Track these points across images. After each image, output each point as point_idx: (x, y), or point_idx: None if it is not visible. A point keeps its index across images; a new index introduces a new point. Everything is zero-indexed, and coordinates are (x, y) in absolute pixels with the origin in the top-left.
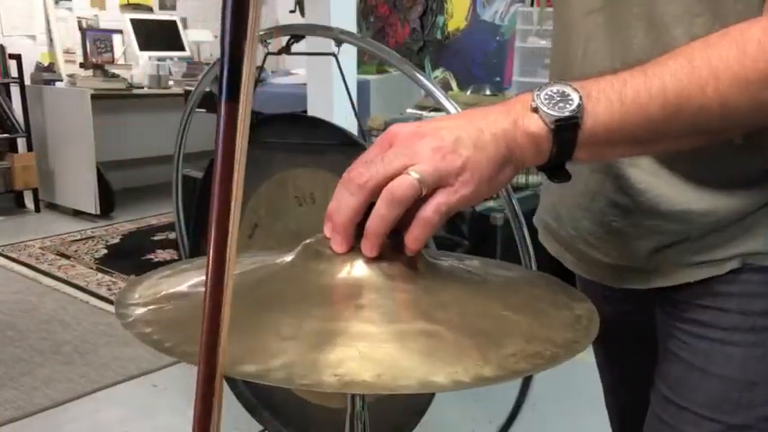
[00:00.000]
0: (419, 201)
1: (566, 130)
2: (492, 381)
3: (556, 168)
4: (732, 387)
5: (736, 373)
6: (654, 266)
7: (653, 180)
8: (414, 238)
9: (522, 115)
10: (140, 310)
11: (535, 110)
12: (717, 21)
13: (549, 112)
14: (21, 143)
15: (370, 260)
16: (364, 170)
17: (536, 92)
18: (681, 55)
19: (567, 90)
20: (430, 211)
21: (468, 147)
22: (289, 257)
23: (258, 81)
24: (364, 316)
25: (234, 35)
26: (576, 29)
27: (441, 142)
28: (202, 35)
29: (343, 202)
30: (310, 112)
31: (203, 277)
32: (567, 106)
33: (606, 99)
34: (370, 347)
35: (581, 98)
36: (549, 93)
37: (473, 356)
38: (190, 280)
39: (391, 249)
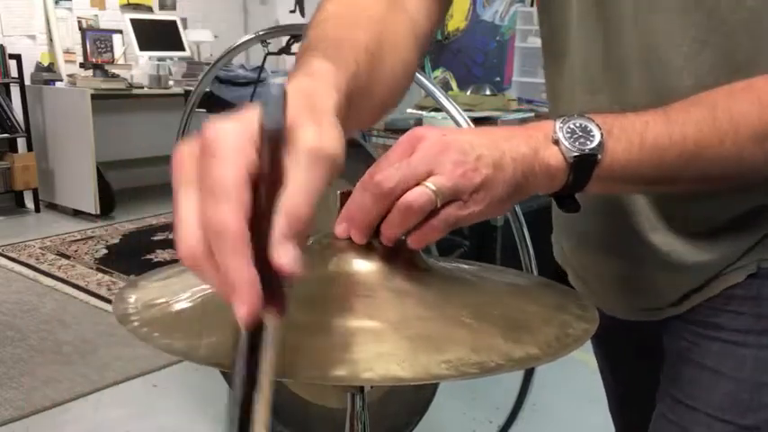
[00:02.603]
0: None
1: (583, 166)
2: (405, 381)
3: (565, 197)
4: (744, 388)
5: (748, 374)
6: (681, 302)
7: (674, 241)
8: (417, 240)
9: (543, 146)
10: (139, 310)
11: (556, 142)
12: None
13: (569, 147)
14: (21, 143)
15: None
16: (390, 175)
17: (558, 123)
18: (704, 104)
19: (590, 126)
20: (439, 221)
21: (488, 165)
22: None
23: (258, 81)
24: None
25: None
26: (579, 109)
27: (464, 157)
28: (202, 35)
29: (366, 206)
30: None
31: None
32: (588, 143)
33: (627, 140)
34: (299, 337)
35: (602, 135)
36: (572, 126)
37: (398, 357)
38: (189, 280)
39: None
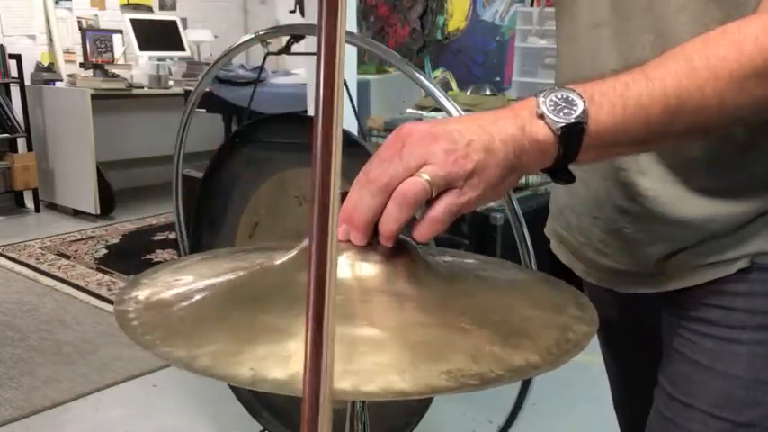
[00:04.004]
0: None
1: (571, 136)
2: (407, 395)
3: (559, 170)
4: (738, 385)
5: (743, 371)
6: (664, 271)
7: (661, 188)
8: (421, 233)
9: (528, 122)
10: (139, 313)
11: (541, 116)
12: None
13: (554, 118)
14: (21, 143)
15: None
16: (384, 170)
17: (541, 98)
18: (680, 55)
19: (572, 96)
20: (440, 212)
21: (479, 151)
22: (286, 257)
23: (258, 81)
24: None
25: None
26: (582, 42)
27: (454, 146)
28: (202, 35)
29: (364, 203)
30: (310, 112)
31: (201, 274)
32: (572, 112)
33: (609, 103)
34: (298, 346)
35: (585, 103)
36: (554, 99)
37: (398, 368)
38: (188, 279)
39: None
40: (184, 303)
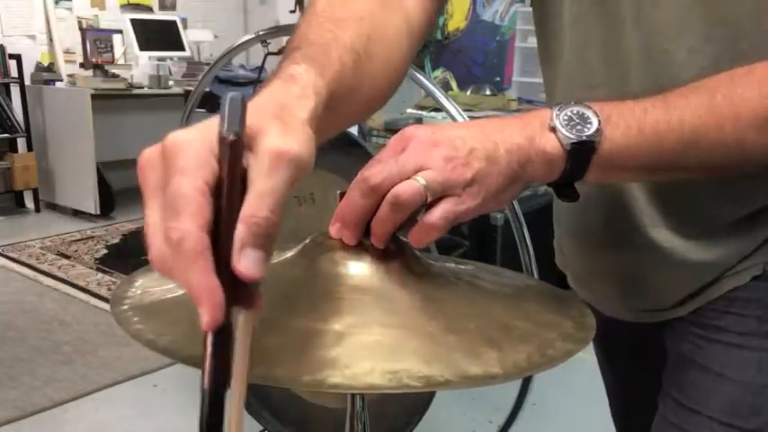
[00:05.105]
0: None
1: (581, 153)
2: (338, 388)
3: (564, 186)
4: (747, 391)
5: (752, 377)
6: (683, 303)
7: (676, 240)
8: (417, 238)
9: (539, 133)
10: (136, 309)
11: (553, 129)
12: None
13: (567, 134)
14: (21, 143)
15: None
16: (378, 171)
17: (555, 111)
18: (703, 90)
19: (588, 113)
20: (435, 218)
21: (480, 159)
22: (286, 255)
23: (258, 81)
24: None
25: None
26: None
27: (454, 152)
28: (202, 35)
29: (355, 202)
30: None
31: None
32: (586, 129)
33: (625, 126)
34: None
35: (600, 122)
36: (569, 113)
37: (340, 364)
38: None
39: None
40: (174, 293)
